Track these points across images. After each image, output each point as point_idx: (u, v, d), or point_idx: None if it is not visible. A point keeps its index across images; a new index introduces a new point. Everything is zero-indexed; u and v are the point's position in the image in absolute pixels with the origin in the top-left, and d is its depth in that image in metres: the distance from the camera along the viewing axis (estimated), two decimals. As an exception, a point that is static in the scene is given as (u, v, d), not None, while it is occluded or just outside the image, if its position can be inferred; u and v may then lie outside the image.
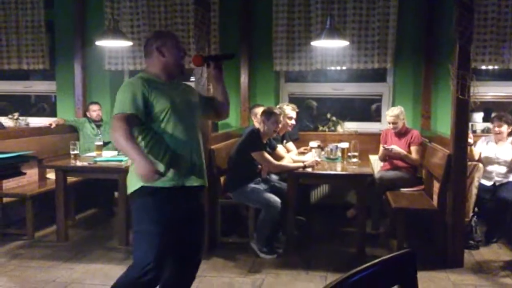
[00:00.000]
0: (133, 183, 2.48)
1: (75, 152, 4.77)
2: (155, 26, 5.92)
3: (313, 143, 5.05)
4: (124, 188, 4.35)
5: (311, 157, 4.60)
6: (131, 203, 2.58)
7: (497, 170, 4.71)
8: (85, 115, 5.94)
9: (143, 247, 2.48)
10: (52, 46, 6.40)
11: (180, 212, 2.55)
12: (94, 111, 5.76)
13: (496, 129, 4.70)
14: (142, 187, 2.43)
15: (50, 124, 5.70)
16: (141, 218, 2.50)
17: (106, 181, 5.10)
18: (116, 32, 5.25)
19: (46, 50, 6.28)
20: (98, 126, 5.77)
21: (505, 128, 4.69)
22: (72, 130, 5.83)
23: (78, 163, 4.67)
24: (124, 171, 4.39)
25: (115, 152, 5.08)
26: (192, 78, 4.87)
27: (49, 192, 4.82)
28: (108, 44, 5.48)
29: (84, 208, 5.70)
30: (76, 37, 6.20)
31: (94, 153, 5.09)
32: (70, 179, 4.86)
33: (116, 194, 5.23)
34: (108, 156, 4.89)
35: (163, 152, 2.46)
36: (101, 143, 5.22)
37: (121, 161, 4.59)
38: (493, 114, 5.43)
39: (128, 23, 5.99)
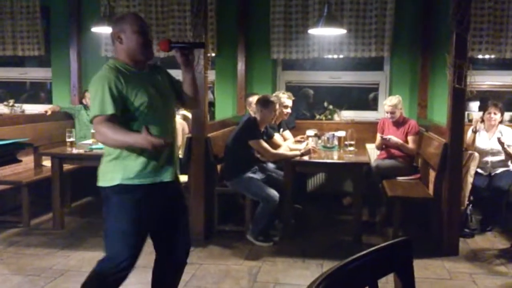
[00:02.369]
0: (109, 177, 2.40)
1: (71, 139, 4.75)
2: (151, 12, 5.88)
3: (310, 132, 5.05)
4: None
5: (306, 144, 4.62)
6: (105, 198, 2.46)
7: (492, 160, 4.72)
8: (81, 102, 5.91)
9: (119, 245, 2.43)
10: (48, 33, 6.35)
11: (158, 208, 2.48)
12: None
13: (492, 115, 4.71)
14: (120, 184, 2.36)
15: (46, 111, 5.67)
16: (117, 216, 2.42)
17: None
18: (112, 18, 5.20)
19: (41, 37, 6.23)
20: (94, 114, 5.73)
21: (498, 116, 4.72)
22: (67, 117, 5.80)
23: (74, 151, 4.66)
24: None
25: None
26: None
27: (45, 180, 4.80)
28: (104, 30, 5.43)
29: (80, 195, 5.69)
30: (72, 23, 6.14)
31: (90, 141, 5.07)
32: (66, 166, 4.84)
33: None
34: (104, 143, 4.87)
35: (139, 149, 2.32)
36: (97, 130, 5.19)
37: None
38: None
39: (124, 10, 5.92)
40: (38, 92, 7.21)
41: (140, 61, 2.45)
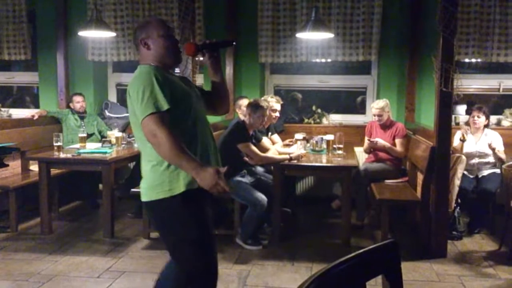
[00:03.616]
0: (168, 188, 2.18)
1: (58, 143, 4.71)
2: (138, 16, 5.87)
3: (299, 135, 5.06)
4: (108, 180, 4.38)
5: (296, 149, 4.62)
6: (159, 210, 2.24)
7: (479, 163, 4.78)
8: (68, 107, 5.87)
9: (198, 258, 2.24)
10: (34, 37, 6.30)
11: (208, 210, 2.32)
12: (78, 102, 5.69)
13: (476, 118, 4.78)
14: (185, 192, 2.17)
15: (33, 116, 5.61)
16: (187, 225, 2.22)
17: (90, 173, 5.08)
18: (99, 22, 5.17)
19: (28, 41, 6.18)
20: (82, 118, 5.70)
21: (483, 119, 4.77)
22: (55, 122, 5.75)
23: (62, 155, 4.61)
24: (108, 163, 4.37)
25: (99, 144, 5.05)
26: (177, 70, 4.84)
27: (32, 184, 4.76)
28: (91, 34, 5.41)
29: (68, 200, 5.65)
30: (58, 27, 6.10)
31: (77, 145, 5.04)
32: (54, 171, 4.80)
33: (100, 186, 5.20)
34: (92, 148, 4.85)
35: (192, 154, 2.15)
36: (84, 134, 5.17)
37: (105, 153, 4.55)
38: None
39: (112, 14, 5.92)
40: (24, 96, 7.14)
41: (169, 66, 2.34)
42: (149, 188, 2.23)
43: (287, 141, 5.35)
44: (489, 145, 4.60)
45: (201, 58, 2.49)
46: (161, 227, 2.32)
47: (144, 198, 2.26)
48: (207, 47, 2.40)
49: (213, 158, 2.34)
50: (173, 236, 2.27)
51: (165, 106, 2.09)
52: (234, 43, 2.55)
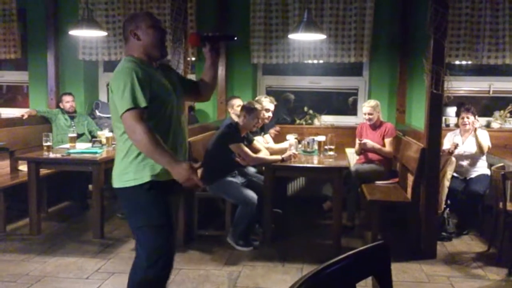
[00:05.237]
0: (134, 176, 2.33)
1: (48, 143, 4.68)
2: (130, 16, 5.84)
3: (290, 136, 5.07)
4: (98, 180, 4.36)
5: (288, 144, 4.64)
6: (130, 197, 2.39)
7: (467, 164, 4.81)
8: (58, 106, 5.83)
9: (157, 239, 2.38)
10: (25, 35, 6.25)
11: (171, 204, 2.47)
12: (68, 102, 5.65)
13: (465, 119, 4.81)
14: (150, 181, 2.32)
15: (22, 115, 5.57)
16: (151, 212, 2.37)
17: (80, 174, 5.05)
18: (90, 21, 5.14)
19: (18, 39, 6.13)
20: (72, 118, 5.67)
21: (472, 119, 4.80)
22: (44, 121, 5.71)
23: (51, 155, 4.58)
24: (98, 163, 4.35)
25: (89, 144, 5.02)
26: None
27: (21, 185, 4.72)
28: (82, 33, 5.38)
29: (57, 200, 5.61)
30: (49, 26, 6.06)
31: (67, 145, 5.00)
32: (43, 171, 4.77)
33: (90, 186, 5.17)
34: (82, 148, 4.82)
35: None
36: (74, 134, 5.14)
37: (95, 153, 4.53)
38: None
39: (103, 13, 5.90)
40: (14, 95, 7.09)
41: (155, 58, 2.44)
42: (118, 176, 2.39)
43: (272, 130, 5.43)
44: (476, 136, 4.67)
45: (203, 49, 2.60)
46: (127, 212, 2.52)
47: (114, 184, 2.42)
48: (209, 39, 2.55)
49: (181, 152, 2.48)
50: (136, 220, 2.42)
51: (143, 103, 2.22)
52: (235, 38, 2.64)
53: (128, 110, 2.20)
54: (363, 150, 5.08)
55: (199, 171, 2.52)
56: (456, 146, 4.59)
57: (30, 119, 5.61)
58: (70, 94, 5.73)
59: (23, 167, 4.93)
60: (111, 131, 5.43)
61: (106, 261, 3.93)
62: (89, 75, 6.38)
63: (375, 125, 5.06)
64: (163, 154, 2.22)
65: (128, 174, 2.34)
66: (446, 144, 4.81)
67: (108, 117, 5.98)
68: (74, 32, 5.30)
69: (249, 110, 4.35)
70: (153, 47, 2.40)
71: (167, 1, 5.55)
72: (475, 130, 4.69)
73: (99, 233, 4.44)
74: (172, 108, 2.40)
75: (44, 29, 6.08)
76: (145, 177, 2.32)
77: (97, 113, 6.05)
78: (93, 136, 5.53)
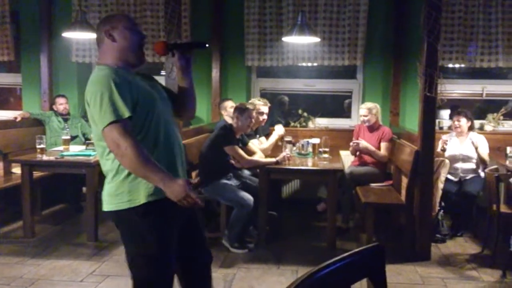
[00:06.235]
0: (127, 198, 2.07)
1: (42, 146, 4.66)
2: (124, 18, 5.82)
3: (279, 127, 5.11)
4: (92, 182, 4.34)
5: (276, 135, 4.93)
6: (123, 222, 2.13)
7: (462, 166, 4.83)
8: (51, 109, 5.80)
9: (150, 275, 2.13)
10: (18, 38, 6.23)
11: (176, 220, 2.19)
12: (61, 104, 5.63)
13: (456, 123, 4.84)
14: (145, 203, 2.05)
15: (16, 118, 5.54)
16: (145, 239, 2.10)
17: (74, 176, 5.03)
18: (83, 24, 5.13)
19: (11, 41, 6.09)
20: (65, 120, 5.64)
21: (464, 122, 4.82)
22: (38, 124, 5.68)
23: (45, 158, 4.56)
24: (92, 166, 4.33)
25: (83, 147, 5.00)
26: (163, 72, 4.81)
27: (14, 187, 4.70)
28: (75, 36, 5.36)
29: (51, 203, 5.58)
30: (42, 28, 6.04)
31: (61, 147, 4.98)
32: (37, 173, 4.75)
33: (84, 189, 5.15)
34: (75, 150, 4.80)
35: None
36: (68, 137, 5.11)
37: (89, 155, 4.51)
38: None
39: (96, 15, 5.88)
40: (7, 98, 7.05)
41: (131, 65, 2.15)
42: (110, 197, 2.11)
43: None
44: (473, 143, 4.69)
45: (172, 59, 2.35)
46: (121, 236, 2.21)
47: (104, 208, 2.15)
48: (177, 47, 2.28)
49: (180, 166, 2.21)
50: (130, 247, 2.17)
51: (126, 113, 1.94)
52: (207, 45, 2.34)
53: (109, 124, 1.93)
54: (358, 151, 5.08)
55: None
56: (445, 142, 4.64)
57: (24, 122, 5.58)
58: (63, 96, 5.71)
59: (17, 170, 4.90)
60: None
61: (100, 263, 3.91)
62: (82, 77, 6.35)
63: (373, 128, 5.07)
64: (154, 171, 1.95)
65: (122, 194, 2.07)
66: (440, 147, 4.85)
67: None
68: (67, 34, 5.29)
69: (241, 110, 4.35)
70: (129, 51, 2.11)
71: (161, 4, 5.54)
72: (476, 148, 4.72)
73: (93, 235, 4.42)
74: (159, 117, 2.09)
75: (37, 31, 6.06)
76: (141, 198, 2.06)
77: (91, 115, 6.02)
78: (86, 139, 5.50)
